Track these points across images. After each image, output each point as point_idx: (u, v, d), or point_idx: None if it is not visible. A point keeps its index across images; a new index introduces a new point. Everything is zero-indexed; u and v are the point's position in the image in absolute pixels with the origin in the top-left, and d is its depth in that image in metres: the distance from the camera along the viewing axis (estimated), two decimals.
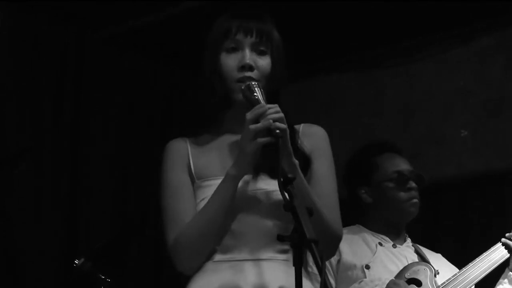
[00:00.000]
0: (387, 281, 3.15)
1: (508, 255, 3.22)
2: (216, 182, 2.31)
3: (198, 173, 2.39)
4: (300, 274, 2.02)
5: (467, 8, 4.39)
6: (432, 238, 4.34)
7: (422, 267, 3.25)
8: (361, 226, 3.47)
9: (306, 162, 2.38)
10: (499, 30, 4.61)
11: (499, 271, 3.26)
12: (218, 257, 2.32)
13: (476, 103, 4.64)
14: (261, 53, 2.40)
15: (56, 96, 4.42)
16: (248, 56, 2.37)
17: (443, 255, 3.51)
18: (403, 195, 3.39)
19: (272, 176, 2.33)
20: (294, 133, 2.40)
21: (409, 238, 3.47)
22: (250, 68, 2.36)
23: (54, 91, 4.42)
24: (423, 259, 3.35)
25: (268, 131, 2.20)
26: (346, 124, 5.02)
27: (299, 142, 2.43)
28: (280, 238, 2.12)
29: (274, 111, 2.22)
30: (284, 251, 2.33)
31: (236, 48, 2.39)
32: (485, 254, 3.23)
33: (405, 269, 3.24)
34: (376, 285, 3.17)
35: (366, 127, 4.91)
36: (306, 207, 2.03)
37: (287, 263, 2.30)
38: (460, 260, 3.32)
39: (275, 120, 2.20)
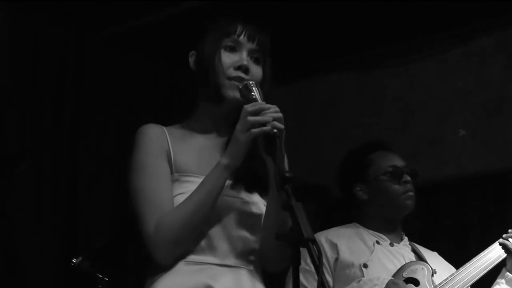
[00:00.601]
0: (386, 281, 3.15)
1: (505, 255, 3.23)
2: (197, 180, 2.30)
3: (178, 165, 2.37)
4: (297, 273, 2.03)
5: (466, 8, 4.40)
6: (432, 238, 4.33)
7: (420, 266, 3.26)
8: (358, 224, 3.48)
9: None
10: (499, 30, 4.61)
11: (496, 271, 3.26)
12: (191, 257, 2.31)
13: (476, 103, 4.64)
14: (256, 61, 2.43)
15: (56, 96, 4.42)
16: (246, 59, 2.40)
17: (443, 255, 3.52)
18: (398, 188, 3.40)
19: (249, 189, 2.39)
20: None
21: (405, 237, 3.48)
22: (246, 70, 2.39)
23: (54, 91, 4.42)
24: (420, 257, 3.36)
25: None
26: (346, 124, 5.03)
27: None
28: (278, 237, 2.13)
29: (274, 110, 2.23)
30: (251, 262, 2.38)
31: (235, 49, 2.42)
32: (482, 254, 3.24)
33: (403, 268, 3.25)
34: (375, 285, 3.17)
35: (365, 127, 4.92)
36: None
37: (252, 273, 2.36)
38: (460, 260, 3.32)
39: (274, 119, 2.21)
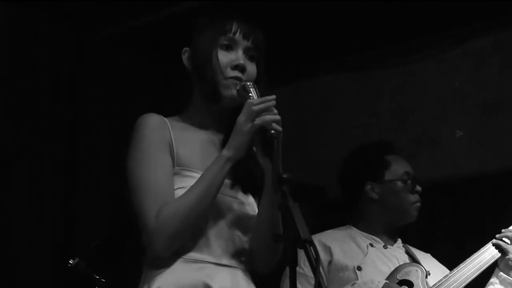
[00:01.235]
0: (380, 283, 3.15)
1: (499, 255, 3.23)
2: (198, 175, 2.29)
3: (180, 159, 2.35)
4: (294, 274, 2.05)
5: (463, 9, 4.40)
6: (428, 239, 4.35)
7: (414, 268, 3.26)
8: (351, 227, 3.48)
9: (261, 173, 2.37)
10: (496, 31, 4.61)
11: (490, 271, 3.27)
12: (188, 255, 2.30)
13: (472, 104, 4.64)
14: (251, 59, 2.43)
15: (56, 96, 4.42)
16: (242, 57, 2.41)
17: (439, 256, 3.53)
18: (411, 197, 3.42)
19: (245, 190, 2.40)
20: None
21: (399, 239, 3.49)
22: (243, 69, 2.39)
23: (54, 91, 4.42)
24: (413, 259, 3.37)
25: (263, 131, 2.22)
26: (343, 124, 5.03)
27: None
28: (275, 238, 2.15)
29: (272, 112, 2.25)
30: (242, 262, 2.39)
31: (231, 47, 2.42)
32: (476, 254, 3.25)
33: (397, 270, 3.25)
34: (369, 287, 3.18)
35: (364, 127, 4.92)
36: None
37: (245, 273, 2.38)
38: (456, 261, 3.32)
39: (272, 121, 2.23)
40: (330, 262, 3.30)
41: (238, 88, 2.34)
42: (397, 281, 3.20)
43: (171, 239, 2.24)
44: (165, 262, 2.29)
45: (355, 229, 3.46)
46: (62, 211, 4.31)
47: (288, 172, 2.15)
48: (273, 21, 4.23)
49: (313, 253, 1.98)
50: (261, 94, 2.32)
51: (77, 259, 3.02)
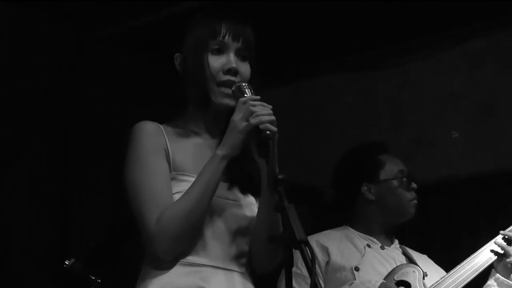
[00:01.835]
0: (377, 284, 3.15)
1: (496, 257, 3.23)
2: (193, 179, 2.30)
3: (175, 164, 2.36)
4: (290, 275, 2.06)
5: (460, 10, 4.40)
6: (423, 240, 4.35)
7: (411, 269, 3.27)
8: (348, 227, 3.49)
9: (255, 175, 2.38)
10: (491, 33, 4.62)
11: (486, 272, 3.27)
12: (185, 258, 2.31)
13: (468, 105, 4.65)
14: (243, 59, 2.42)
15: (55, 96, 4.42)
16: (234, 60, 2.40)
17: (434, 256, 3.53)
18: (408, 194, 3.43)
19: (243, 191, 2.40)
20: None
21: (396, 240, 3.49)
22: (235, 72, 2.38)
23: (53, 91, 4.41)
24: (410, 260, 3.37)
25: (259, 132, 2.22)
26: (341, 125, 5.03)
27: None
28: (271, 239, 2.15)
29: (267, 113, 2.25)
30: (242, 264, 2.40)
31: (221, 51, 2.41)
32: (472, 256, 3.25)
33: (394, 271, 3.26)
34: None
35: (360, 128, 4.92)
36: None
37: (244, 276, 2.38)
38: (452, 262, 3.33)
39: (267, 122, 2.22)
40: (327, 263, 3.30)
41: (233, 89, 2.34)
42: (395, 281, 3.21)
43: (173, 242, 2.26)
44: (163, 264, 2.30)
45: (352, 229, 3.47)
46: (59, 211, 4.30)
47: (284, 173, 2.16)
48: (272, 21, 4.25)
49: (309, 254, 1.98)
50: (256, 92, 2.32)
51: (73, 260, 3.02)
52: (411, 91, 4.87)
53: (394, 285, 3.18)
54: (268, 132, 2.20)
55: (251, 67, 2.43)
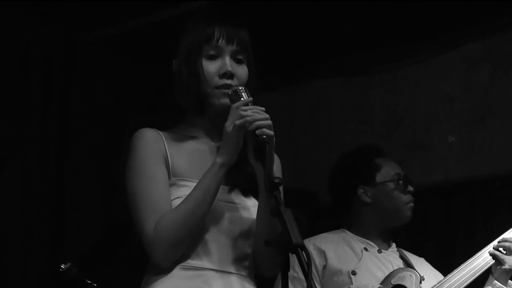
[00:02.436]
0: None
1: (493, 261, 3.22)
2: (194, 184, 2.30)
3: (175, 170, 2.37)
4: (286, 279, 2.04)
5: (453, 14, 4.42)
6: (418, 244, 4.34)
7: (408, 273, 3.26)
8: (345, 230, 3.47)
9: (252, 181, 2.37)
10: (486, 37, 4.63)
11: (483, 277, 3.27)
12: (186, 262, 2.31)
13: (462, 110, 4.66)
14: (239, 62, 2.41)
15: (45, 100, 4.40)
16: (229, 64, 2.38)
17: (429, 261, 3.52)
18: (404, 197, 3.42)
19: (245, 193, 2.40)
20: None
21: (393, 243, 3.49)
22: (231, 76, 2.37)
23: (42, 94, 4.40)
24: (407, 264, 3.36)
25: (255, 136, 2.21)
26: (332, 130, 5.03)
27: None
28: (268, 243, 2.14)
29: (264, 117, 2.24)
30: (245, 267, 2.39)
31: (216, 55, 2.40)
32: (470, 260, 3.24)
33: (391, 275, 3.25)
34: None
35: (353, 133, 4.92)
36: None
37: (245, 279, 2.37)
38: (446, 266, 3.33)
39: (263, 126, 2.22)
40: (324, 267, 3.29)
41: (230, 92, 2.33)
42: (391, 286, 3.19)
43: (170, 249, 2.27)
44: (164, 269, 2.31)
45: (349, 233, 3.45)
46: (49, 216, 4.28)
47: (279, 177, 2.16)
48: (265, 25, 4.24)
49: (305, 258, 1.97)
50: (256, 93, 2.32)
51: (68, 264, 3.01)
52: (406, 96, 4.88)
53: None
54: (264, 136, 2.20)
55: (249, 68, 2.42)
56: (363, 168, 3.47)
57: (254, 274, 2.43)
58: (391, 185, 3.43)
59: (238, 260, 2.36)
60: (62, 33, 4.54)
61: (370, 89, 5.00)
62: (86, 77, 4.60)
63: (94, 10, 4.39)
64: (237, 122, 2.22)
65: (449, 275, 3.22)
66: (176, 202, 2.31)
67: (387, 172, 3.46)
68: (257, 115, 2.23)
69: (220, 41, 2.39)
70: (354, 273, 3.26)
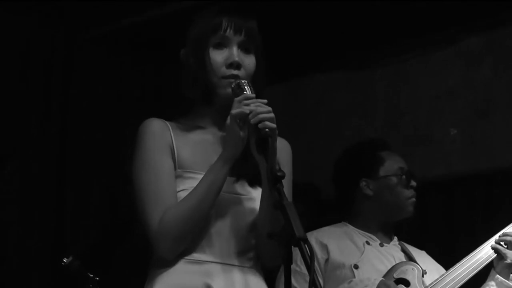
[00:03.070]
0: (377, 281, 3.14)
1: (495, 255, 3.22)
2: (200, 176, 2.31)
3: (181, 161, 2.37)
4: (289, 272, 2.05)
5: (455, 9, 4.41)
6: (420, 238, 4.34)
7: (410, 267, 3.26)
8: (347, 224, 3.48)
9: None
10: (487, 32, 4.62)
11: (485, 271, 3.27)
12: (191, 255, 2.32)
13: (464, 104, 4.65)
14: (247, 52, 2.41)
15: (45, 99, 4.39)
16: (236, 54, 2.38)
17: (431, 255, 3.53)
18: (406, 192, 3.42)
19: (251, 183, 2.39)
20: None
21: (395, 237, 3.49)
22: (238, 66, 2.37)
23: (42, 94, 4.38)
24: (409, 257, 3.37)
25: (258, 129, 2.21)
26: (334, 125, 5.03)
27: None
28: (270, 236, 2.14)
29: (266, 110, 2.24)
30: (250, 259, 2.39)
31: (224, 44, 2.40)
32: (472, 254, 3.24)
33: (393, 268, 3.25)
34: (366, 286, 3.17)
35: (356, 127, 4.92)
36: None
37: (250, 271, 2.37)
38: (448, 260, 3.34)
39: (266, 119, 2.22)
40: (327, 260, 3.30)
41: (233, 86, 2.33)
42: (394, 279, 3.19)
43: (175, 242, 2.29)
44: (168, 262, 2.32)
45: (351, 226, 3.46)
46: (50, 212, 4.28)
47: (282, 170, 2.16)
48: (268, 20, 4.23)
49: (308, 251, 1.97)
50: (260, 86, 2.33)
51: (71, 258, 3.01)
52: (407, 90, 4.87)
53: (393, 283, 3.17)
54: (267, 129, 2.20)
55: (257, 60, 2.42)
56: (366, 161, 3.47)
57: (261, 266, 2.43)
58: (394, 179, 3.43)
59: (242, 252, 2.37)
60: (62, 33, 4.51)
61: (373, 84, 5.00)
62: (86, 77, 4.57)
63: (94, 10, 4.38)
64: (233, 112, 2.23)
65: (451, 269, 3.22)
66: (182, 194, 2.31)
67: (390, 166, 3.46)
68: (260, 108, 2.23)
69: (228, 31, 2.39)
70: (356, 266, 3.26)
